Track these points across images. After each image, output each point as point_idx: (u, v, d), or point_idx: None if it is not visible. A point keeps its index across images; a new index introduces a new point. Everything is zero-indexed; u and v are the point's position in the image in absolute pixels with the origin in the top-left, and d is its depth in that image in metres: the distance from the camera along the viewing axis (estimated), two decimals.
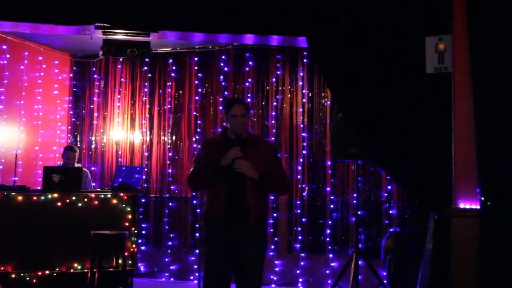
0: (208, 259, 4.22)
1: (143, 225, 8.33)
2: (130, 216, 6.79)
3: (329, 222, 7.51)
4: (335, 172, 7.55)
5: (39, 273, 6.41)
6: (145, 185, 8.47)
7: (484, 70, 4.68)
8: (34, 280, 6.39)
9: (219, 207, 4.13)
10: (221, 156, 4.12)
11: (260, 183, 4.11)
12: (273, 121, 7.91)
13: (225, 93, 8.17)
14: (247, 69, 8.11)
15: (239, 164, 4.06)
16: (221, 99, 8.16)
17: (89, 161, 8.93)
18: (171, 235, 8.26)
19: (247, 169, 4.07)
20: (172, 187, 8.39)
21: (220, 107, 8.15)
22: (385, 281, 6.49)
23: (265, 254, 4.34)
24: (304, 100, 7.78)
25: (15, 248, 6.38)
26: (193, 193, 8.08)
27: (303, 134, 7.76)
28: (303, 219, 7.64)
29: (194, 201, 8.15)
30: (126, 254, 6.45)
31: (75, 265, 6.54)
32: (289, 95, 7.87)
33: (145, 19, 5.88)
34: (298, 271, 7.57)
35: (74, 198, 6.60)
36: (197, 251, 7.78)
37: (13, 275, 6.32)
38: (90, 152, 8.98)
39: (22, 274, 6.35)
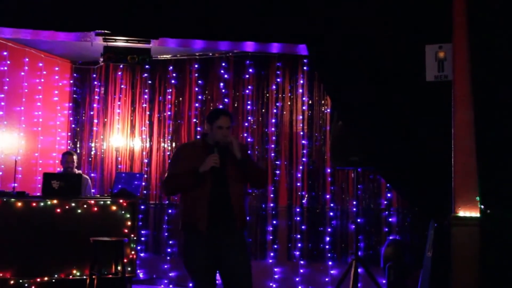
0: (195, 267, 4.18)
1: (142, 231, 8.32)
2: (129, 223, 6.78)
3: (329, 229, 7.50)
4: (335, 179, 7.55)
5: (38, 280, 6.39)
6: (145, 191, 8.46)
7: (485, 79, 4.69)
8: (33, 287, 6.38)
9: (202, 212, 4.11)
10: (201, 161, 4.12)
11: (241, 167, 4.19)
12: (273, 129, 7.91)
13: (225, 100, 8.17)
14: (247, 76, 8.11)
15: (231, 138, 4.22)
16: (221, 106, 8.16)
17: (89, 168, 8.93)
18: (170, 242, 8.25)
19: (235, 145, 4.20)
20: None
21: None
22: None
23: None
24: (304, 108, 7.79)
25: (14, 254, 6.36)
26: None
27: (303, 142, 7.76)
28: (303, 227, 7.63)
29: None
30: (125, 260, 6.44)
31: (74, 271, 6.53)
32: (289, 103, 7.88)
33: (145, 26, 5.89)
34: (297, 279, 7.55)
35: (73, 204, 6.59)
36: None
37: (11, 282, 6.31)
38: (90, 159, 8.97)
39: (21, 281, 6.34)
